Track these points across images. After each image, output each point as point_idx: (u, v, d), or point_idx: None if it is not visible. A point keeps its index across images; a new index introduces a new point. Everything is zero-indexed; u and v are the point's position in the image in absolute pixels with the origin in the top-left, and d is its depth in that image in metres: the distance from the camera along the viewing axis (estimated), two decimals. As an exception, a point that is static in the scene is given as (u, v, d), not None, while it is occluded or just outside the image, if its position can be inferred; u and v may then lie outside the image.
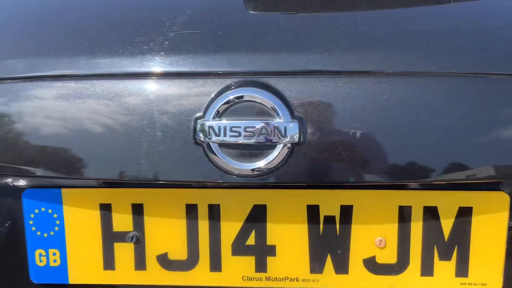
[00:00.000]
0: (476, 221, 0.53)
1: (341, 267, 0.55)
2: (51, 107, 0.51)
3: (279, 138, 0.46)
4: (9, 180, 0.56)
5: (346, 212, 0.53)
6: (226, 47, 0.50)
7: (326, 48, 0.49)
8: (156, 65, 0.50)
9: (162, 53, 0.50)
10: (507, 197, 0.52)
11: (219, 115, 0.47)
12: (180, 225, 0.55)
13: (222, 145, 0.47)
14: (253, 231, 0.55)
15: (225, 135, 0.47)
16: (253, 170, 0.47)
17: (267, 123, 0.46)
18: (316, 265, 0.55)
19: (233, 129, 0.47)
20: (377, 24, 0.54)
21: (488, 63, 0.50)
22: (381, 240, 0.54)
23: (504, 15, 0.56)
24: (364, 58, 0.49)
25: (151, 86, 0.50)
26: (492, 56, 0.50)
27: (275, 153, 0.47)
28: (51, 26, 0.57)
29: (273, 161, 0.47)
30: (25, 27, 0.59)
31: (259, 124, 0.46)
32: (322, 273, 0.55)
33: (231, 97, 0.47)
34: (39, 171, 0.52)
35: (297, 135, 0.47)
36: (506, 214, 0.52)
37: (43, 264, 0.57)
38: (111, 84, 0.50)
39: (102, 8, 0.60)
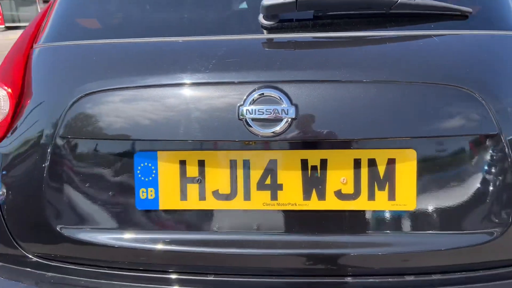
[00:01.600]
0: (398, 166, 0.91)
1: (321, 196, 0.93)
2: (148, 106, 0.91)
3: (284, 115, 0.86)
4: (129, 147, 0.95)
5: (324, 163, 0.92)
6: (255, 67, 0.91)
7: (309, 67, 0.90)
8: (218, 77, 0.90)
9: (221, 70, 0.91)
10: (414, 152, 0.90)
11: (252, 103, 0.87)
12: (226, 172, 0.93)
13: (253, 119, 0.87)
14: (269, 175, 0.93)
15: (255, 114, 0.86)
16: (272, 132, 0.87)
17: (277, 108, 0.86)
18: (306, 195, 0.93)
19: (259, 110, 0.86)
20: (343, 52, 0.95)
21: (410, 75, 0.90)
22: (344, 179, 0.92)
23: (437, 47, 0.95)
24: (331, 73, 0.90)
25: (215, 90, 0.90)
26: (412, 71, 0.91)
27: (282, 124, 0.86)
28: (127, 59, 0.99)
29: (281, 128, 0.86)
30: (111, 59, 1.01)
31: (273, 108, 0.86)
32: (310, 200, 0.93)
33: (257, 94, 0.87)
34: (148, 144, 0.92)
35: (294, 114, 0.86)
36: (414, 162, 0.90)
37: (144, 197, 0.95)
38: (192, 89, 0.91)
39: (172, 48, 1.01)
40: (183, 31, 1.04)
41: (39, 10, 12.87)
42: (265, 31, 0.98)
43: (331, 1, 0.97)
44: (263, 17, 0.97)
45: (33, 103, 1.00)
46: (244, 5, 1.14)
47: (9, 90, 1.02)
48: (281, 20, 0.97)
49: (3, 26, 13.02)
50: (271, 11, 0.95)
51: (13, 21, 13.92)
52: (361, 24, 0.99)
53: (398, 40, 0.99)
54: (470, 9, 0.99)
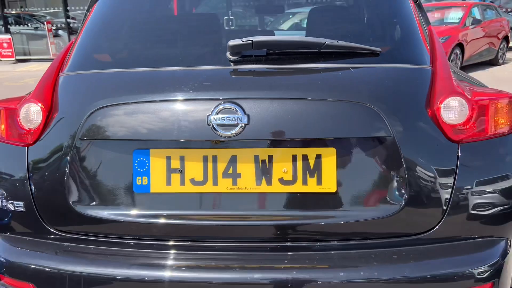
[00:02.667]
0: (323, 160, 1.25)
1: (269, 182, 1.26)
2: (143, 116, 1.27)
3: (239, 122, 1.21)
4: (128, 146, 1.30)
5: (270, 157, 1.26)
6: (221, 88, 1.27)
7: (259, 88, 1.27)
8: (194, 95, 1.27)
9: (196, 90, 1.27)
10: (334, 150, 1.25)
11: (217, 113, 1.23)
12: (199, 165, 1.28)
13: (218, 124, 1.22)
14: (231, 167, 1.27)
15: (219, 121, 1.21)
16: (231, 134, 1.21)
17: (234, 116, 1.22)
18: (258, 182, 1.27)
19: (221, 118, 1.21)
20: (285, 78, 1.32)
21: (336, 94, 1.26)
22: (285, 169, 1.26)
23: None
24: (275, 92, 1.26)
25: (191, 104, 1.26)
26: (333, 92, 1.27)
27: (237, 128, 1.22)
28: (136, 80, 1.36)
29: (237, 131, 1.21)
30: (116, 83, 1.37)
31: (232, 116, 1.22)
32: (260, 185, 1.27)
33: (221, 106, 1.23)
34: (142, 143, 1.28)
35: (246, 121, 1.22)
36: (334, 157, 1.25)
37: (139, 183, 1.30)
38: (175, 103, 1.27)
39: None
40: (171, 63, 1.41)
41: (49, 44, 13.44)
42: (230, 64, 1.36)
43: (278, 42, 1.34)
44: (229, 53, 1.34)
45: (59, 115, 1.36)
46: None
47: (42, 106, 1.38)
48: (242, 55, 1.34)
49: (13, 59, 13.60)
50: (235, 49, 1.33)
51: (24, 54, 14.54)
52: (299, 59, 1.36)
53: (325, 70, 1.36)
54: (379, 49, 1.36)
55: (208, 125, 1.22)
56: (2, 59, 13.82)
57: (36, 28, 14.99)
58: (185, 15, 1.67)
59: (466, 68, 9.91)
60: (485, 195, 1.28)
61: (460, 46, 9.48)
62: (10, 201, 1.38)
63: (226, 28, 1.81)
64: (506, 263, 1.31)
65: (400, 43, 1.49)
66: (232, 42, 1.31)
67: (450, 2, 11.30)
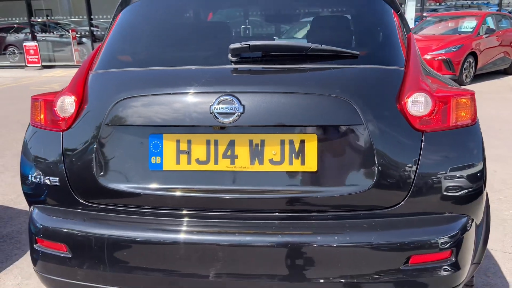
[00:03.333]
0: (306, 145, 1.49)
1: (261, 162, 1.51)
2: (158, 106, 1.53)
3: (236, 111, 1.47)
4: (145, 131, 1.57)
5: (262, 141, 1.51)
6: (222, 84, 1.53)
7: (253, 83, 1.52)
8: (200, 89, 1.53)
9: (202, 85, 1.53)
10: (316, 136, 1.49)
11: (218, 103, 1.48)
12: (203, 147, 1.53)
13: (218, 113, 1.48)
14: (230, 149, 1.52)
15: (219, 110, 1.47)
16: (229, 120, 1.47)
17: (232, 106, 1.47)
18: (252, 162, 1.52)
19: (222, 107, 1.47)
20: (276, 75, 1.57)
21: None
22: (274, 152, 1.51)
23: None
24: (268, 87, 1.51)
25: (198, 97, 1.52)
26: (317, 87, 1.52)
27: (234, 116, 1.47)
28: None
29: (234, 118, 1.47)
30: (135, 79, 1.65)
31: (230, 106, 1.47)
32: (254, 165, 1.52)
33: (222, 98, 1.49)
34: (156, 128, 1.54)
35: (242, 110, 1.47)
36: (316, 142, 1.49)
37: (154, 162, 1.56)
38: (184, 96, 1.53)
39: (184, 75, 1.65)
40: (181, 63, 1.68)
41: (73, 51, 13.97)
42: (231, 64, 1.62)
43: (271, 46, 1.60)
44: (230, 55, 1.61)
45: (89, 106, 1.64)
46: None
47: (75, 98, 1.66)
48: (241, 57, 1.60)
49: (39, 65, 14.19)
50: (235, 52, 1.59)
51: (49, 61, 15.16)
52: (289, 60, 1.61)
53: (310, 70, 1.61)
54: (358, 52, 1.61)
55: (211, 113, 1.48)
56: (29, 65, 14.44)
57: (61, 36, 15.59)
58: (196, 23, 1.94)
59: (480, 76, 10.02)
60: (445, 178, 1.50)
61: (473, 55, 9.60)
62: (47, 178, 1.66)
63: (233, 34, 2.07)
64: (466, 237, 1.52)
65: (379, 48, 1.73)
66: (232, 46, 1.57)
67: (465, 12, 11.42)
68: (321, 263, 1.45)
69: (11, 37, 16.36)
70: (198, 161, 1.54)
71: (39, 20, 16.48)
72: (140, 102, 1.56)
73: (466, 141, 1.56)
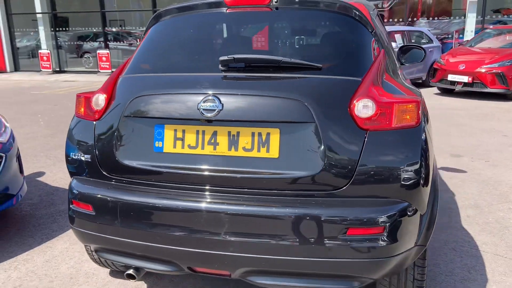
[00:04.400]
0: (271, 136, 1.89)
1: (236, 149, 1.93)
2: (161, 103, 2.01)
3: (216, 108, 1.91)
4: (152, 122, 2.05)
5: (238, 133, 1.94)
6: (210, 87, 1.98)
7: (234, 87, 1.96)
8: (194, 90, 1.99)
9: (196, 88, 2.00)
10: (279, 130, 1.89)
11: (204, 102, 1.93)
12: (194, 136, 1.98)
13: (204, 109, 1.92)
14: (213, 138, 1.96)
15: (205, 107, 1.92)
16: (212, 115, 1.91)
17: (213, 104, 1.92)
18: (229, 148, 1.94)
19: (206, 105, 1.92)
20: (252, 81, 2.00)
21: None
22: (247, 141, 1.93)
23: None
24: (244, 90, 1.95)
25: (191, 96, 1.98)
26: (282, 91, 1.93)
27: (215, 112, 1.91)
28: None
29: (215, 113, 1.91)
30: (149, 82, 2.14)
31: (212, 104, 1.92)
32: (231, 151, 1.94)
33: (207, 98, 1.94)
34: (160, 120, 2.02)
35: (221, 107, 1.91)
36: (278, 134, 1.88)
37: (157, 146, 2.03)
38: (181, 96, 2.00)
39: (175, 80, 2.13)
40: (183, 71, 2.16)
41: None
42: (221, 72, 2.06)
43: (251, 58, 2.03)
44: (220, 65, 2.05)
45: (116, 101, 2.15)
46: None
47: (106, 95, 2.19)
48: (229, 66, 2.05)
49: (110, 71, 15.50)
50: (223, 62, 2.03)
51: (119, 67, 16.48)
52: (265, 69, 2.03)
53: (279, 78, 2.01)
54: (320, 65, 2.00)
55: (198, 110, 1.94)
56: (101, 70, 15.83)
57: (130, 44, 16.89)
58: (199, 39, 2.42)
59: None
60: (385, 169, 1.84)
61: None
62: (83, 156, 2.19)
63: (228, 48, 2.51)
64: (401, 219, 1.84)
65: (342, 62, 2.10)
66: (221, 58, 2.02)
67: (525, 25, 11.08)
68: (278, 228, 1.84)
69: (87, 45, 18.00)
70: (190, 146, 1.99)
71: (113, 29, 17.98)
72: (149, 99, 2.05)
73: (407, 140, 1.89)
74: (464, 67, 9.77)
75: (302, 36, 2.53)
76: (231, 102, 1.93)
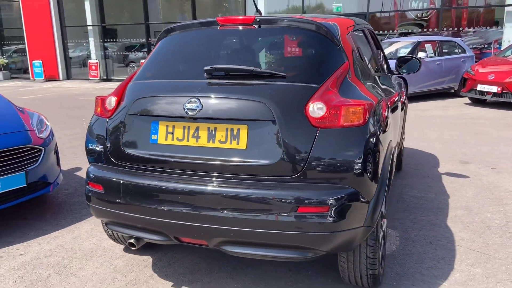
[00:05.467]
0: (241, 132, 2.32)
1: (213, 141, 2.37)
2: (156, 104, 2.50)
3: (197, 107, 2.37)
4: (150, 119, 2.54)
5: (215, 128, 2.38)
6: (194, 90, 2.45)
7: (212, 91, 2.42)
8: (183, 94, 2.47)
9: (183, 91, 2.47)
10: (247, 126, 2.32)
11: (188, 103, 2.40)
12: (181, 131, 2.45)
13: (188, 109, 2.39)
14: (196, 132, 2.42)
15: (189, 107, 2.39)
16: (193, 113, 2.37)
17: (195, 104, 2.38)
18: (209, 141, 2.39)
19: (189, 105, 2.38)
20: (227, 86, 2.45)
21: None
22: (222, 135, 2.38)
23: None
24: (219, 94, 2.40)
25: (180, 98, 2.46)
26: (250, 94, 2.37)
27: (196, 111, 2.37)
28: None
29: (196, 112, 2.37)
30: (149, 87, 2.63)
31: (194, 104, 2.38)
32: (209, 143, 2.38)
33: (190, 99, 2.40)
34: (155, 117, 2.51)
35: (201, 107, 2.37)
36: (246, 130, 2.32)
37: (153, 138, 2.51)
38: (171, 98, 2.48)
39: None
40: (177, 78, 2.65)
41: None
42: (206, 79, 2.53)
43: (229, 68, 2.48)
44: (205, 73, 2.52)
45: (123, 103, 2.66)
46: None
47: (116, 98, 2.70)
48: (212, 74, 2.51)
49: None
50: (207, 71, 2.50)
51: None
52: (240, 77, 2.47)
53: (250, 84, 2.44)
54: (285, 74, 2.42)
55: (183, 109, 2.40)
56: (144, 79, 16.71)
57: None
58: (192, 52, 2.90)
59: None
60: (332, 160, 2.23)
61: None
62: (98, 146, 2.71)
63: (215, 59, 2.96)
64: (347, 202, 2.22)
65: (306, 71, 2.51)
66: (205, 67, 2.48)
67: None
68: (244, 205, 2.26)
69: (132, 55, 19.13)
70: (178, 139, 2.46)
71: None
72: (147, 101, 2.55)
73: (352, 136, 2.27)
74: (493, 77, 9.76)
75: (276, 49, 2.95)
76: (209, 103, 2.38)
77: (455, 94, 11.70)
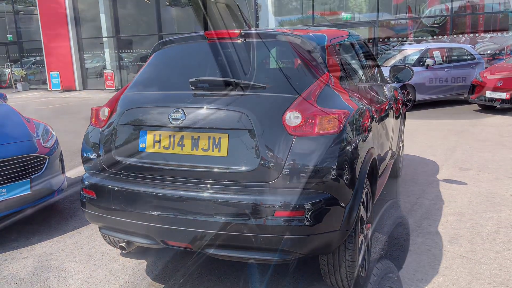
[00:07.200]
0: (222, 140, 2.45)
1: (197, 149, 2.50)
2: (145, 114, 2.65)
3: (181, 118, 2.51)
4: (138, 128, 2.69)
5: (198, 137, 2.52)
6: (180, 101, 2.59)
7: (195, 102, 2.56)
8: (168, 104, 2.61)
9: (169, 102, 2.62)
10: (227, 135, 2.44)
11: (173, 113, 2.54)
12: (167, 139, 2.59)
13: (173, 118, 2.53)
14: (181, 141, 2.55)
15: (173, 117, 2.53)
16: (178, 123, 2.52)
17: (179, 115, 2.52)
18: (192, 149, 2.52)
19: (174, 116, 2.53)
20: (209, 98, 2.59)
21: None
22: (205, 143, 2.51)
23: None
24: (202, 104, 2.54)
25: (166, 109, 2.61)
26: (230, 105, 2.50)
27: (180, 121, 2.51)
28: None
29: (180, 122, 2.51)
30: (138, 98, 2.79)
31: (178, 115, 2.52)
32: (193, 151, 2.51)
33: (175, 110, 2.54)
34: (143, 127, 2.66)
35: (185, 117, 2.51)
36: (227, 138, 2.44)
37: (141, 146, 2.66)
38: (158, 108, 2.63)
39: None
40: (166, 89, 2.80)
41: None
42: (191, 90, 2.67)
43: (212, 80, 2.62)
44: (190, 85, 2.66)
45: (116, 113, 2.82)
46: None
47: (109, 109, 2.87)
48: (197, 86, 2.65)
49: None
50: (192, 83, 2.64)
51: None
52: (223, 88, 2.61)
53: (233, 95, 2.57)
54: (264, 85, 2.54)
55: (168, 119, 2.55)
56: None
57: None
58: (180, 65, 3.05)
59: None
60: (307, 167, 2.34)
61: None
62: (91, 154, 2.87)
63: (202, 72, 3.09)
64: (322, 207, 2.32)
65: (286, 83, 2.62)
66: (190, 80, 2.62)
67: None
68: (224, 210, 2.38)
69: (145, 65, 19.46)
70: (164, 147, 2.60)
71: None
72: (136, 111, 2.70)
73: (327, 144, 2.37)
74: (502, 84, 9.73)
75: (260, 61, 3.08)
76: (192, 113, 2.52)
77: (465, 101, 11.65)
